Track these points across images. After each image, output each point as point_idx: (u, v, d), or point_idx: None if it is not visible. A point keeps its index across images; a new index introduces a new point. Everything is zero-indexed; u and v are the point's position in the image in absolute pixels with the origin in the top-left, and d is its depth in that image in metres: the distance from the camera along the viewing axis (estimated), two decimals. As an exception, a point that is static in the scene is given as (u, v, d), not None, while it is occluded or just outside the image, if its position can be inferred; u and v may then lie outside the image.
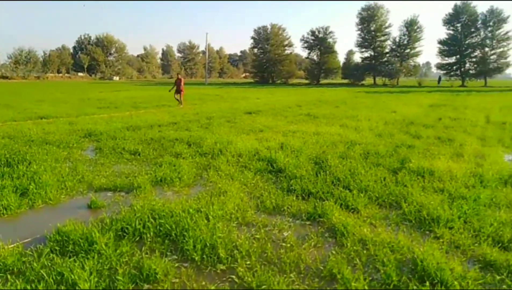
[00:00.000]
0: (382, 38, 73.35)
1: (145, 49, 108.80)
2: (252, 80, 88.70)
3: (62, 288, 2.68)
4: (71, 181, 5.50)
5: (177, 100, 19.40)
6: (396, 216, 4.32)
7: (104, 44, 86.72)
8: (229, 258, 3.26)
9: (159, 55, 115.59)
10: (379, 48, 73.67)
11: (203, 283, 2.93)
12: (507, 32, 61.96)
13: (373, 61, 73.15)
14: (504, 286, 2.88)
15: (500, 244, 3.55)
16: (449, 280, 2.87)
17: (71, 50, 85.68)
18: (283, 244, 3.58)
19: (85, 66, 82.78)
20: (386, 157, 7.18)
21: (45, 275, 2.86)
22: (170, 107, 18.21)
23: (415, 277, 2.96)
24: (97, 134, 9.55)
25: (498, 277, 2.99)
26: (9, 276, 2.89)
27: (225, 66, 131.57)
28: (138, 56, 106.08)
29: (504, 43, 62.71)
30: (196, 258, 3.28)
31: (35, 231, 3.80)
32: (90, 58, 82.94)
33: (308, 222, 4.17)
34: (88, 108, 16.89)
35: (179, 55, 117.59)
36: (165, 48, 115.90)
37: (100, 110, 15.94)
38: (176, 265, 3.18)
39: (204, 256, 3.31)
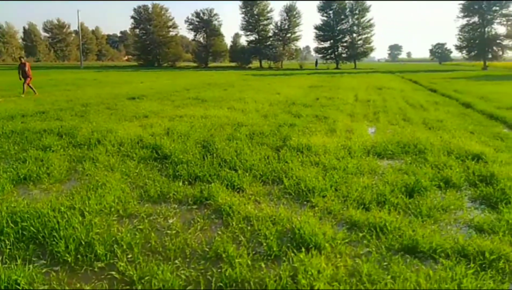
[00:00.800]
0: (265, 22, 76.36)
1: (0, 27, 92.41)
2: (136, 63, 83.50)
3: None
4: None
5: (30, 87, 16.21)
6: (278, 191, 4.59)
7: None
8: (108, 254, 3.03)
9: (20, 34, 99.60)
10: (263, 32, 76.58)
11: (78, 285, 2.66)
12: (369, 20, 71.02)
13: (258, 45, 75.85)
14: (365, 242, 3.32)
15: (362, 206, 4.07)
16: (322, 243, 3.18)
17: None
18: (168, 231, 3.48)
19: None
20: (270, 136, 7.56)
21: None
22: (34, 95, 15.92)
23: (294, 245, 3.19)
24: None
25: (360, 234, 3.42)
26: None
27: (103, 47, 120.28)
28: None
29: (368, 30, 71.74)
30: (69, 259, 2.95)
31: None
32: None
33: (194, 207, 4.14)
34: None
35: (46, 34, 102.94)
36: (27, 27, 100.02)
37: None
38: (44, 270, 2.82)
39: (79, 256, 3.01)
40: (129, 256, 3.02)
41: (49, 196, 4.20)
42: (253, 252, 3.10)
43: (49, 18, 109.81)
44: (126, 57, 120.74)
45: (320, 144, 6.74)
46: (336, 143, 6.90)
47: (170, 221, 3.72)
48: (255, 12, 74.91)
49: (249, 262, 2.92)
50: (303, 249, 3.08)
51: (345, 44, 73.36)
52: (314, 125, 9.01)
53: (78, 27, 72.56)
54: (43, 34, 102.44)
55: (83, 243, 3.14)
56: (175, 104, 12.98)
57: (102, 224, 3.51)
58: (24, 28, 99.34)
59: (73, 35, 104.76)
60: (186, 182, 4.88)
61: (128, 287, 2.64)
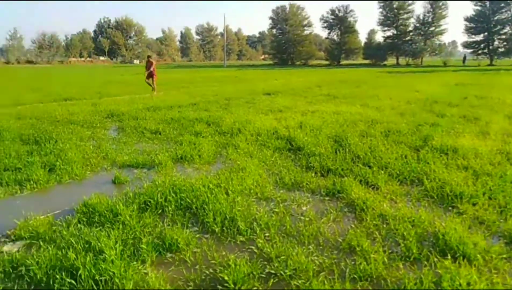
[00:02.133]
0: (405, 16, 70.73)
1: (163, 32, 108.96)
2: (271, 62, 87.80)
3: (90, 255, 2.80)
4: (95, 158, 5.67)
5: (149, 84, 16.63)
6: (417, 192, 4.26)
7: (123, 27, 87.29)
8: (249, 230, 3.32)
9: (178, 38, 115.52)
10: (402, 27, 71.17)
11: (223, 253, 3.00)
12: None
13: (396, 40, 70.87)
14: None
15: (527, 222, 3.45)
16: (472, 253, 2.83)
17: (92, 34, 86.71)
18: (302, 218, 3.60)
19: (106, 50, 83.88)
20: (408, 135, 7.03)
21: (73, 242, 2.99)
22: (189, 89, 18.31)
23: (436, 251, 2.93)
24: (119, 115, 9.75)
25: (524, 253, 2.92)
26: (41, 243, 3.04)
27: (243, 48, 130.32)
28: (157, 39, 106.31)
29: (538, 19, 59.34)
30: (216, 230, 3.35)
31: (64, 204, 3.96)
32: (111, 41, 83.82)
33: (327, 198, 4.18)
34: (110, 90, 17.19)
35: (198, 37, 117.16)
36: (183, 31, 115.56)
37: (121, 92, 16.19)
38: (197, 236, 3.27)
39: (224, 228, 3.38)
40: (267, 235, 3.25)
41: (200, 174, 4.81)
42: (389, 251, 2.96)
43: (201, 22, 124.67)
44: (262, 56, 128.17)
45: (470, 147, 5.94)
46: (490, 147, 6.00)
47: (304, 208, 3.85)
48: (394, 6, 70.06)
49: (385, 260, 2.80)
50: (448, 256, 2.80)
51: (503, 36, 62.22)
52: (461, 126, 7.99)
53: (224, 30, 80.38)
54: (195, 36, 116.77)
55: (227, 217, 3.51)
56: (307, 100, 13.21)
57: (243, 203, 3.85)
58: (181, 32, 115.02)
59: (219, 37, 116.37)
60: (319, 174, 4.95)
61: (265, 262, 2.85)
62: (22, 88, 17.35)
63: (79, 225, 3.38)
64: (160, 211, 3.73)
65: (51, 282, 2.54)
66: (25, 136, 6.92)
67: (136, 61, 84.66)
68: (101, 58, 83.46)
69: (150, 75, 16.38)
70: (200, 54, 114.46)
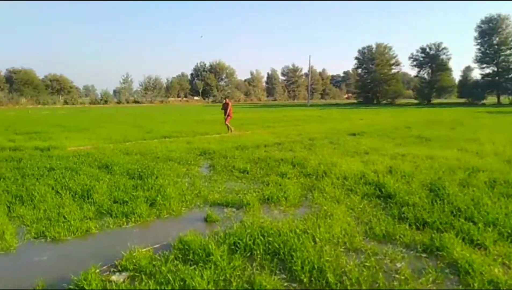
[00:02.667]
0: (508, 52, 64.35)
1: (251, 73, 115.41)
2: (355, 101, 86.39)
3: (185, 292, 2.97)
4: (190, 195, 6.09)
5: (226, 125, 16.60)
6: (536, 257, 3.68)
7: (216, 70, 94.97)
8: (338, 284, 3.20)
9: (264, 79, 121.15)
10: (504, 63, 64.78)
11: (312, 306, 2.93)
12: None
13: (497, 78, 64.45)
14: None
15: None
16: None
17: (189, 77, 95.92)
18: (396, 276, 3.36)
19: (200, 91, 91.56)
20: (519, 187, 6.20)
21: (171, 279, 3.21)
22: (274, 128, 18.84)
23: None
24: (211, 153, 10.40)
25: None
26: (143, 277, 3.33)
27: (327, 87, 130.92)
28: (245, 80, 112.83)
29: None
30: (304, 279, 3.30)
31: (162, 239, 4.30)
32: (204, 83, 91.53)
33: (424, 255, 3.84)
34: (202, 128, 18.54)
35: (283, 78, 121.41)
36: (270, 72, 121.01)
37: (212, 131, 17.34)
38: (285, 284, 3.25)
39: (312, 278, 3.31)
40: (358, 291, 3.09)
41: (287, 218, 4.84)
42: (504, 327, 2.58)
43: (287, 64, 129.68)
44: (346, 95, 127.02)
45: None
46: None
47: (398, 265, 3.59)
48: (494, 42, 64.43)
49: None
50: None
51: None
52: None
53: (309, 70, 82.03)
54: (281, 77, 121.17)
55: (315, 267, 3.44)
56: (396, 142, 12.59)
57: (331, 253, 3.75)
58: (267, 73, 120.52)
59: (303, 77, 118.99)
60: (413, 226, 4.61)
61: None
62: (129, 126, 19.67)
63: (175, 261, 3.62)
64: (248, 253, 3.81)
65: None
66: (131, 171, 7.76)
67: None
68: (195, 98, 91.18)
69: (227, 116, 16.62)
70: (284, 94, 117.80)
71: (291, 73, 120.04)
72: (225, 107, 16.77)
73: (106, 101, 68.65)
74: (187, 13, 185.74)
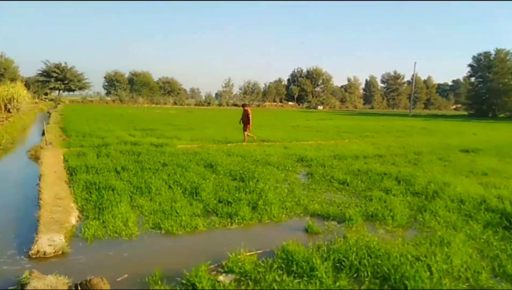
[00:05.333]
0: None
1: (348, 80, 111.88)
2: (465, 113, 77.24)
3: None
4: (290, 202, 6.08)
5: (248, 135, 14.57)
6: None
7: (313, 76, 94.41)
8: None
9: (362, 86, 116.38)
10: None
11: None
12: None
13: None
14: None
15: None
16: None
17: (285, 82, 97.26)
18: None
19: (295, 96, 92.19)
20: None
21: (275, 289, 3.19)
22: (373, 138, 17.88)
23: None
24: (308, 160, 10.29)
25: None
26: (249, 282, 3.37)
27: (432, 96, 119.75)
28: (341, 86, 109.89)
29: None
30: (420, 314, 2.96)
31: (264, 244, 4.32)
32: (300, 89, 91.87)
33: None
34: (298, 134, 18.54)
35: (382, 85, 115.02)
36: (368, 79, 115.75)
37: (308, 137, 17.21)
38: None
39: (430, 314, 2.96)
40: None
41: (396, 240, 4.46)
42: None
43: (387, 70, 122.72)
44: (454, 106, 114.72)
45: None
46: None
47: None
48: None
49: None
50: None
51: None
52: None
53: (413, 78, 76.34)
54: (380, 84, 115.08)
55: (434, 301, 3.07)
56: (523, 164, 10.82)
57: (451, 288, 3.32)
58: (366, 80, 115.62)
59: (405, 85, 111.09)
60: (558, 271, 3.83)
61: None
62: (230, 128, 20.67)
63: (279, 271, 3.59)
64: (354, 274, 3.60)
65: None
66: (233, 172, 8.08)
67: (320, 107, 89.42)
68: (290, 103, 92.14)
69: (245, 124, 14.43)
70: (383, 102, 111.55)
71: (392, 80, 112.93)
72: (245, 115, 14.39)
73: (209, 103, 73.67)
74: (287, 20, 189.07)
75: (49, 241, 4.08)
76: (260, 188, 6.72)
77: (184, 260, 3.94)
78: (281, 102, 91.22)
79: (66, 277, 3.25)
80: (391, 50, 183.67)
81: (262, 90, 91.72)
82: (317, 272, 3.48)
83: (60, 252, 3.99)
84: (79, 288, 3.12)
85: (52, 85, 67.04)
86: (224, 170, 8.26)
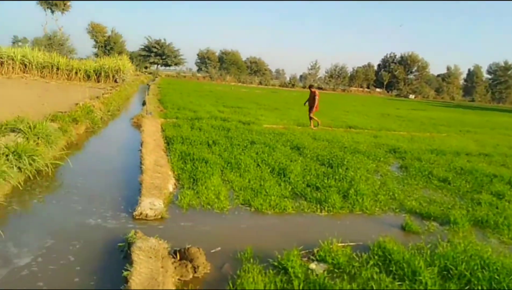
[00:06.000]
0: None
1: (448, 68, 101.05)
2: None
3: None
4: (383, 195, 5.65)
5: (312, 119, 13.19)
6: None
7: (407, 62, 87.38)
8: None
9: (463, 76, 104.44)
10: None
11: None
12: None
13: None
14: None
15: None
16: None
17: (375, 68, 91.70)
18: None
19: (385, 83, 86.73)
20: None
21: (374, 288, 2.94)
22: (476, 134, 15.94)
23: None
24: (401, 152, 9.52)
25: None
26: (344, 276, 3.18)
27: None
28: (438, 75, 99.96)
29: None
30: None
31: (357, 237, 4.06)
32: (391, 75, 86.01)
33: None
34: (388, 123, 17.37)
35: (488, 76, 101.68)
36: (472, 68, 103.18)
37: (399, 127, 16.00)
38: None
39: None
40: None
41: (514, 254, 3.84)
42: None
43: (496, 60, 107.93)
44: None
45: None
46: None
47: None
48: None
49: None
50: None
51: None
52: None
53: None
54: (486, 76, 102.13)
55: None
56: None
57: None
58: (469, 70, 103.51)
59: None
60: None
61: None
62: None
63: (375, 268, 3.33)
64: (466, 286, 3.17)
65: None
66: (321, 157, 7.83)
67: (411, 96, 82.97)
68: (378, 89, 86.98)
69: (311, 107, 13.15)
70: (486, 95, 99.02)
71: (501, 71, 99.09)
72: (311, 97, 13.12)
73: (293, 85, 73.11)
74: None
75: (150, 204, 4.35)
76: (350, 176, 6.38)
77: (274, 241, 3.89)
78: (368, 88, 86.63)
79: (166, 241, 3.41)
80: (502, 38, 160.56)
81: (349, 74, 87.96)
82: (420, 277, 3.14)
83: (160, 217, 4.22)
84: (178, 255, 3.25)
85: (151, 60, 72.69)
86: (311, 154, 8.04)
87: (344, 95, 63.29)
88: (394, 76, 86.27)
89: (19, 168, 5.06)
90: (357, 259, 3.50)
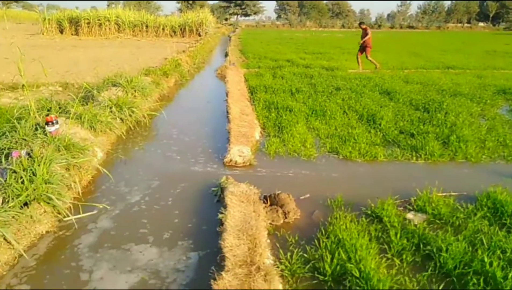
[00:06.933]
0: None
1: None
2: None
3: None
4: (491, 141, 5.00)
5: (371, 61, 11.71)
6: None
7: (522, -14, 73.21)
8: None
9: None
10: None
11: None
12: None
13: None
14: None
15: None
16: None
17: (480, -3, 78.78)
18: None
19: (491, 15, 74.44)
20: None
21: (483, 240, 2.66)
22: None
23: None
24: (513, 93, 8.24)
25: None
26: (448, 228, 2.92)
27: None
28: None
29: None
30: None
31: (460, 187, 3.67)
32: (500, 5, 73.24)
33: None
34: (495, 61, 15.04)
35: None
36: None
37: (510, 65, 13.74)
38: None
39: None
40: None
41: None
42: None
43: None
44: None
45: None
46: None
47: None
48: None
49: None
50: None
51: None
52: None
53: None
54: None
55: None
56: None
57: None
58: None
59: None
60: None
61: None
62: (404, 53, 18.35)
63: (484, 221, 3.00)
64: None
65: (462, 281, 2.35)
66: (414, 101, 7.15)
67: (524, 28, 70.36)
68: (480, 24, 75.23)
69: (363, 49, 11.76)
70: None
71: None
72: (363, 36, 11.77)
73: (380, 26, 66.95)
74: None
75: (239, 152, 4.46)
76: (451, 121, 5.73)
77: (366, 189, 3.72)
78: (469, 22, 75.43)
79: (255, 187, 3.48)
80: None
81: (447, 8, 77.20)
82: (542, 233, 2.75)
83: (248, 164, 4.32)
84: (268, 200, 3.30)
85: (231, 11, 72.61)
86: (404, 98, 7.38)
87: (439, 32, 56.31)
88: (503, 5, 73.29)
89: (121, 119, 5.56)
90: (462, 210, 3.19)
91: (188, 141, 5.32)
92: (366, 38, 11.63)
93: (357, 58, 12.08)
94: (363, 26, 12.33)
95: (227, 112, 6.37)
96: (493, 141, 5.02)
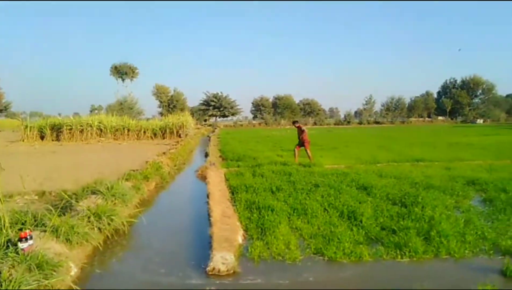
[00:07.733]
0: None
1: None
2: None
3: None
4: (470, 235, 5.09)
5: (308, 154, 12.61)
6: None
7: (470, 86, 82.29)
8: None
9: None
10: None
11: None
12: None
13: None
14: None
15: None
16: None
17: (435, 95, 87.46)
18: None
19: (447, 110, 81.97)
20: None
21: None
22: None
23: None
24: (481, 183, 8.67)
25: None
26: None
27: None
28: (507, 96, 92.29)
29: None
30: None
31: (448, 285, 3.63)
32: (453, 101, 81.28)
33: None
34: (459, 153, 16.07)
35: None
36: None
37: (472, 156, 14.69)
38: None
39: None
40: None
41: None
42: None
43: None
44: None
45: None
46: None
47: None
48: None
49: None
50: None
51: None
52: None
53: None
54: None
55: None
56: None
57: None
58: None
59: None
60: None
61: None
62: (374, 147, 19.41)
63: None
64: None
65: None
66: (391, 196, 7.37)
67: (479, 121, 77.21)
68: (440, 117, 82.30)
69: (301, 144, 12.75)
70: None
71: None
72: (299, 133, 12.82)
73: (348, 122, 72.09)
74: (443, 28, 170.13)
75: (222, 259, 4.32)
76: (428, 215, 5.86)
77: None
78: (429, 117, 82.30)
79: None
80: None
81: (407, 105, 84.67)
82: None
83: (232, 271, 4.17)
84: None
85: (210, 113, 76.74)
86: (380, 193, 7.60)
87: (404, 127, 60.71)
88: (457, 102, 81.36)
89: (99, 228, 5.39)
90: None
91: (169, 250, 5.14)
92: (303, 134, 12.62)
93: (295, 152, 12.91)
94: (297, 125, 13.24)
95: (209, 215, 6.32)
96: (473, 235, 5.11)
